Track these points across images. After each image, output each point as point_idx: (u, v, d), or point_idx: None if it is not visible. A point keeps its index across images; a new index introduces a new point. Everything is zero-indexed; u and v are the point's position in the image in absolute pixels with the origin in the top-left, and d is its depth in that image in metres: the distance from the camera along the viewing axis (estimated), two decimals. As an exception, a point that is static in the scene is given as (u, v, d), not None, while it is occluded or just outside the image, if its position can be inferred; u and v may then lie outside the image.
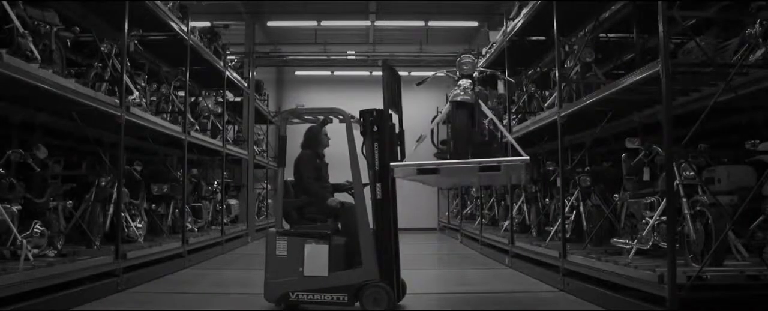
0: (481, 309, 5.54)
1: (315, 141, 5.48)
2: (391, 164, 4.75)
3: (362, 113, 5.03)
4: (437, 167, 4.46)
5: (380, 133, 4.91)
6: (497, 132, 5.02)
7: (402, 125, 5.22)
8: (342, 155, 4.97)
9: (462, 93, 4.57)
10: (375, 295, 4.77)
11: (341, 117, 5.17)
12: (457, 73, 4.78)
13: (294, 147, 5.40)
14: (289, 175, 5.35)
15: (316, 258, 4.88)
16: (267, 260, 5.00)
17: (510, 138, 4.86)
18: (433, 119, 4.83)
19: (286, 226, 5.20)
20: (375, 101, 5.01)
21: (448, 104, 4.66)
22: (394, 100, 5.10)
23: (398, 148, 5.13)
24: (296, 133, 5.56)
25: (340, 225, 5.27)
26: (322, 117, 5.39)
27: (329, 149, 5.63)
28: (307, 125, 5.62)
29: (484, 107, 4.67)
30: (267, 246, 5.02)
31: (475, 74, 4.74)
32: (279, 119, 5.24)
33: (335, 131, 5.39)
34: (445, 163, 4.49)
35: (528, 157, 4.41)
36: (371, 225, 4.97)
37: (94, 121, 6.36)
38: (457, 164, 4.41)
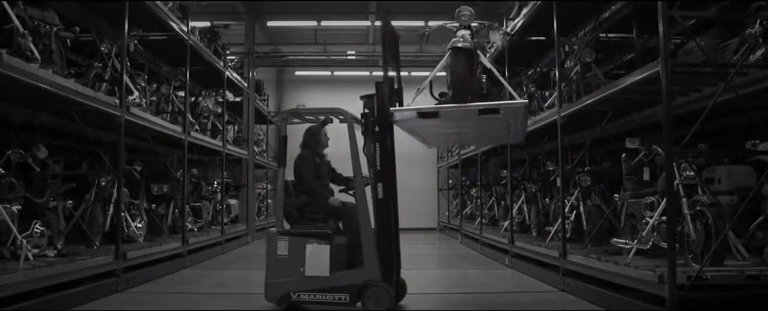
0: (481, 310, 5.54)
1: (314, 141, 5.48)
2: (391, 108, 4.72)
3: (362, 97, 5.00)
4: (437, 111, 4.47)
5: (381, 133, 4.91)
6: (493, 87, 5.04)
7: (400, 81, 5.20)
8: (343, 155, 4.96)
9: (461, 40, 4.59)
10: (377, 295, 4.76)
11: (342, 117, 5.16)
12: (456, 25, 4.79)
13: (294, 147, 5.40)
14: (289, 175, 5.35)
15: (317, 258, 4.87)
16: (268, 260, 4.99)
17: (507, 86, 4.85)
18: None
19: (286, 226, 5.19)
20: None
21: (448, 51, 4.67)
22: (393, 55, 5.08)
23: (397, 104, 5.10)
24: (296, 133, 5.56)
25: (340, 225, 5.26)
26: (322, 117, 5.38)
27: (329, 149, 5.63)
28: (306, 125, 5.61)
29: (482, 57, 4.68)
30: (268, 246, 5.01)
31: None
32: (279, 119, 5.22)
33: (336, 130, 5.39)
34: (444, 107, 4.51)
35: (526, 100, 4.45)
36: (372, 225, 4.96)
37: (94, 121, 6.35)
38: (456, 107, 4.44)
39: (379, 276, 4.82)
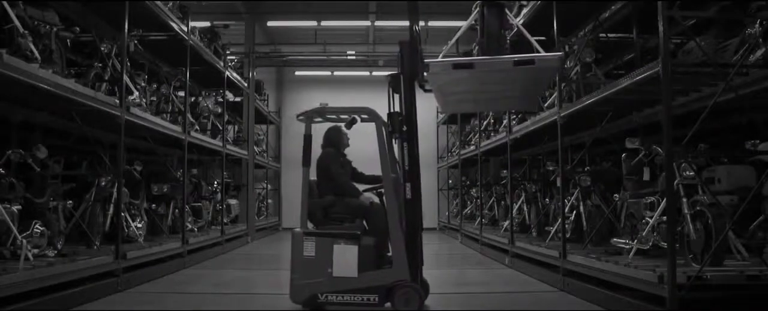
0: (481, 310, 5.54)
1: (337, 141, 5.46)
2: (426, 60, 4.71)
3: (388, 76, 4.99)
4: (472, 63, 4.50)
5: (410, 132, 4.88)
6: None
7: (420, 40, 5.14)
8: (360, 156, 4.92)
9: None
10: (407, 296, 4.75)
11: (367, 116, 5.13)
12: None
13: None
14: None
15: (345, 258, 4.83)
16: (293, 261, 4.93)
17: (534, 43, 4.87)
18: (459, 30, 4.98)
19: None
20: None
21: (477, 6, 4.74)
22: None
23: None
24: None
25: (366, 225, 5.22)
26: (346, 116, 5.33)
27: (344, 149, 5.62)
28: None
29: (509, 15, 4.76)
30: (293, 246, 4.95)
31: None
32: (304, 118, 5.20)
33: (355, 130, 5.37)
34: (480, 59, 4.55)
35: (562, 53, 4.54)
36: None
37: (94, 121, 6.35)
38: (491, 59, 4.48)
39: (408, 276, 4.80)
